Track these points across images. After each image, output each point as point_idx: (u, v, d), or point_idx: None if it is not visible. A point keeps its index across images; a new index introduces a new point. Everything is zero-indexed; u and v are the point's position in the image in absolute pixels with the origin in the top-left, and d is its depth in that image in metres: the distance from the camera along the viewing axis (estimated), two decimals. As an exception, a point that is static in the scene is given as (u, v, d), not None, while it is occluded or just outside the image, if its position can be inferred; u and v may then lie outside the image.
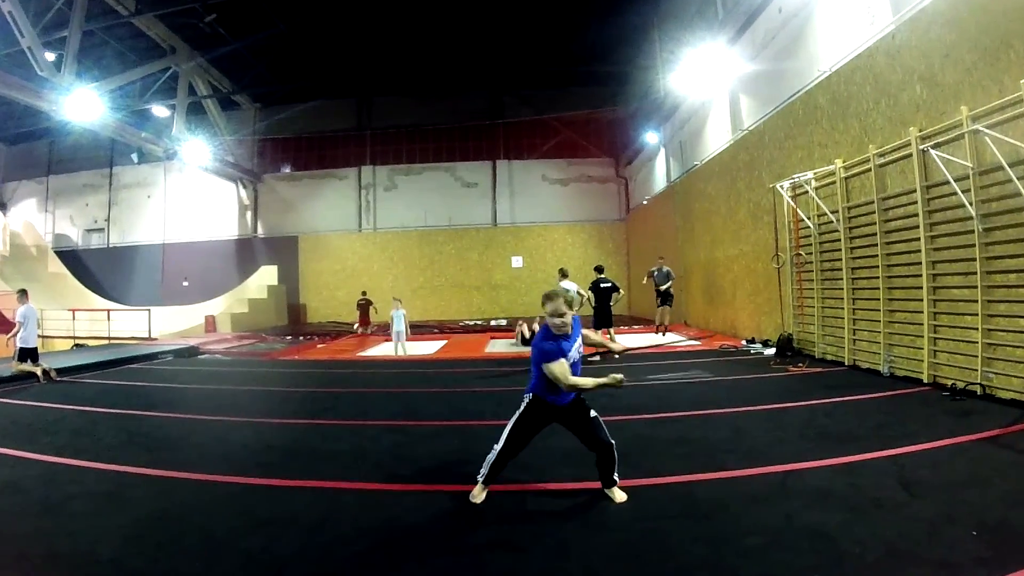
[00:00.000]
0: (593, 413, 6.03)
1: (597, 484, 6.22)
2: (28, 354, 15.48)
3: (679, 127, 28.62)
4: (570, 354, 5.82)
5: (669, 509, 5.74)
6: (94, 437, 9.37)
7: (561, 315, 5.74)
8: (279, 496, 6.42)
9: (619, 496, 5.91)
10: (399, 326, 21.60)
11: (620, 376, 5.63)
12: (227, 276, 40.41)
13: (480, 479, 6.01)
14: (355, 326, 30.21)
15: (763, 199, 18.05)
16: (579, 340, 6.09)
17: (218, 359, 21.99)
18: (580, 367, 5.99)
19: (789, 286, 16.79)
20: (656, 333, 22.44)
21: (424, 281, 39.55)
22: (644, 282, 22.93)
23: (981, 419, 8.44)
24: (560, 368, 5.61)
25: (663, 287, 21.90)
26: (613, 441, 5.91)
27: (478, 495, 5.96)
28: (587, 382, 5.67)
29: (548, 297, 5.83)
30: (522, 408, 6.05)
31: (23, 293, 16.17)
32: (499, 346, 23.64)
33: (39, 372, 15.28)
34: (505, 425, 6.08)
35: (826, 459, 6.93)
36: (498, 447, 5.98)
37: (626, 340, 20.29)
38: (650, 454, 7.48)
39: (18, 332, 15.42)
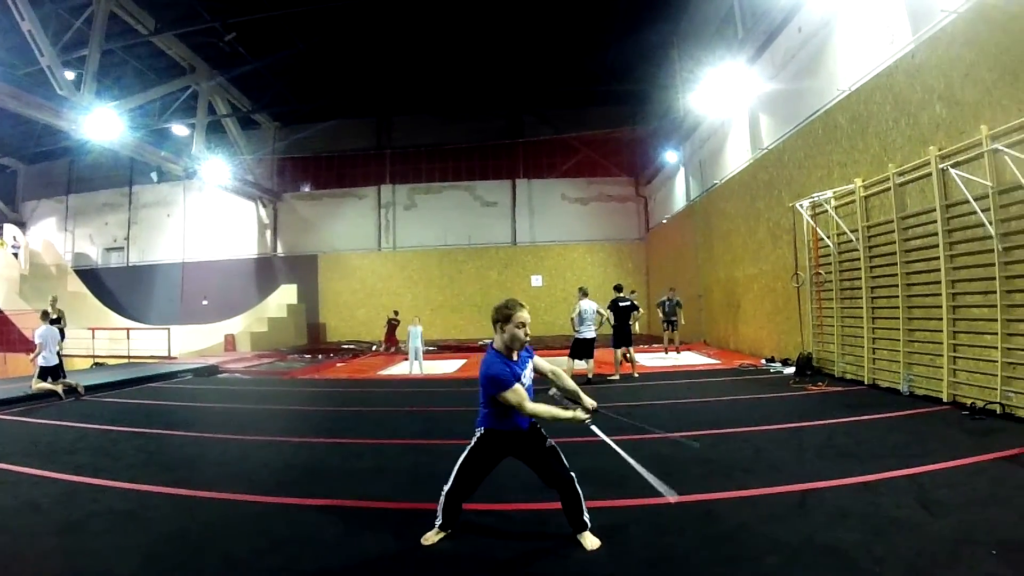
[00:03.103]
0: (550, 443, 5.65)
1: (618, 502, 6.25)
2: (48, 373, 15.59)
3: (699, 146, 28.61)
4: (523, 379, 5.50)
5: (689, 528, 5.72)
6: (114, 456, 9.40)
7: (525, 324, 5.48)
8: (299, 515, 6.41)
9: (590, 543, 5.41)
10: (416, 343, 21.63)
11: (587, 415, 5.41)
12: (247, 295, 40.55)
13: (437, 524, 5.58)
14: (377, 345, 30.27)
15: (783, 218, 18.06)
16: (530, 365, 5.75)
17: (238, 378, 22.10)
18: (533, 392, 5.58)
19: (809, 305, 16.74)
20: (667, 353, 22.39)
21: (443, 300, 39.52)
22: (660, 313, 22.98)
23: (1001, 438, 8.42)
24: (516, 396, 5.26)
25: (672, 319, 22.33)
26: (573, 474, 5.54)
27: (431, 539, 5.53)
28: (547, 411, 5.35)
29: (507, 307, 5.52)
30: (473, 444, 5.63)
31: (45, 314, 16.30)
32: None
33: (60, 390, 15.43)
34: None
35: (845, 478, 6.92)
36: (447, 487, 5.59)
37: (643, 359, 20.28)
38: (669, 474, 7.32)
39: (39, 353, 15.54)
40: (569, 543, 5.41)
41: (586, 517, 5.49)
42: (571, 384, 5.88)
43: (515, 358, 5.50)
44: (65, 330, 17.52)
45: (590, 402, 5.53)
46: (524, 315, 5.48)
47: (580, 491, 5.48)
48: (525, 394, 5.33)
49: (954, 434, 8.92)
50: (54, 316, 17.24)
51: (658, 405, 12.92)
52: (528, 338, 5.52)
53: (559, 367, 6.17)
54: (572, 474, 5.50)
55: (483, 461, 5.59)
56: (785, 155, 18.38)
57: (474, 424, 5.67)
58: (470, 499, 5.72)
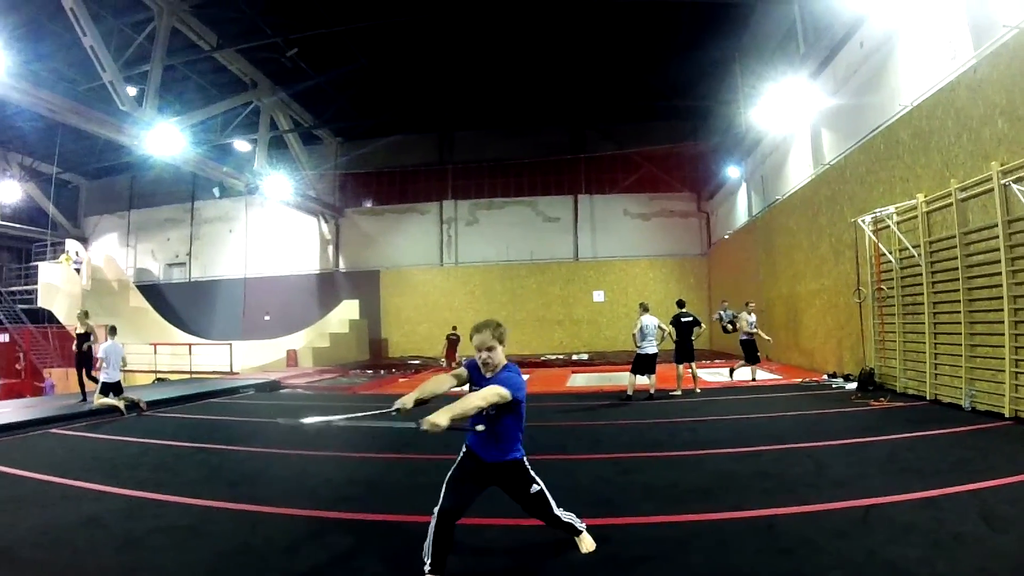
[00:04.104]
0: (536, 488, 5.38)
1: (681, 517, 6.34)
2: (110, 388, 15.85)
3: (760, 161, 28.56)
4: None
5: (751, 543, 5.73)
6: (175, 471, 9.59)
7: (489, 348, 5.21)
8: (361, 531, 6.46)
9: (586, 545, 5.52)
10: None
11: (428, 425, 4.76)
12: (308, 310, 40.84)
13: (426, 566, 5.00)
14: (441, 360, 30.45)
15: (844, 233, 18.01)
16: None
17: (300, 393, 22.38)
18: (488, 422, 5.16)
19: (871, 320, 16.68)
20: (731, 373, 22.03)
21: (506, 316, 38.29)
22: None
23: (1064, 453, 8.32)
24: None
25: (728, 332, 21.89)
26: (559, 512, 5.45)
27: None
28: (457, 407, 4.85)
29: (476, 328, 5.31)
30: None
31: (112, 330, 16.63)
32: (580, 380, 23.66)
33: (122, 406, 15.70)
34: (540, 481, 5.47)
35: (907, 493, 6.87)
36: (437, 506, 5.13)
37: (705, 375, 20.23)
38: (732, 488, 7.50)
39: (100, 367, 15.90)
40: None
41: (580, 526, 5.56)
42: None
43: (487, 372, 5.30)
44: (93, 347, 17.61)
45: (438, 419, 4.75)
46: (478, 338, 5.28)
47: (567, 519, 5.50)
48: (458, 369, 5.52)
49: (1017, 449, 8.84)
50: (82, 331, 17.36)
51: (720, 420, 12.94)
52: (486, 365, 5.29)
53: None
54: (557, 513, 5.43)
55: (460, 478, 5.27)
56: (847, 170, 18.33)
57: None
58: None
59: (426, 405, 5.06)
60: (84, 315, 17.75)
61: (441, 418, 4.67)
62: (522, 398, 5.19)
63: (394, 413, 5.07)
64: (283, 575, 5.38)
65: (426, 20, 26.11)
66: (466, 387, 5.37)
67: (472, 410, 4.88)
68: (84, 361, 17.43)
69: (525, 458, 5.43)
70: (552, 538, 5.72)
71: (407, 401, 5.04)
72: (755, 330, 19.32)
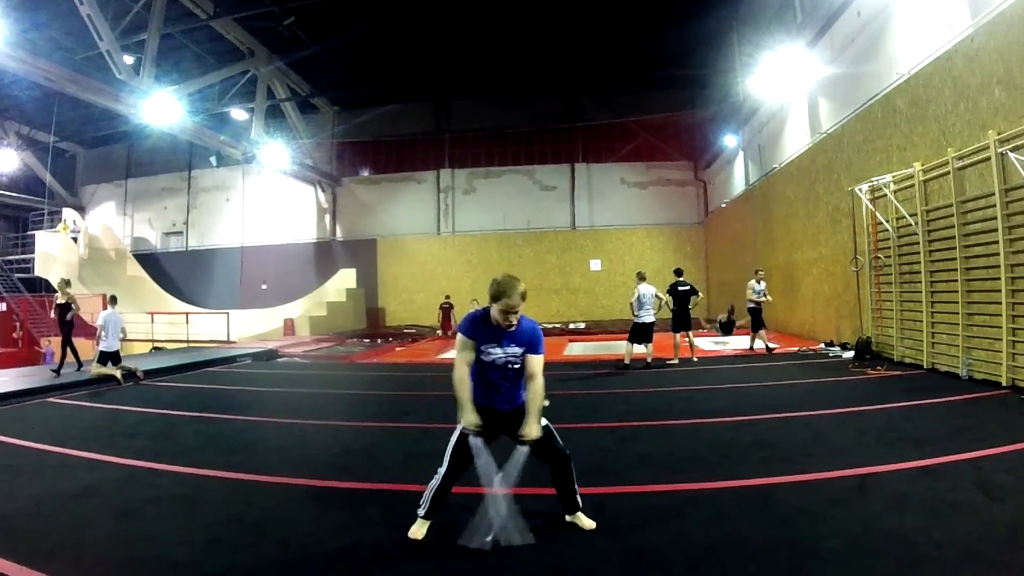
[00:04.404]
0: (544, 422, 5.24)
1: (676, 486, 6.36)
2: (108, 357, 15.81)
3: (757, 130, 28.49)
4: (493, 351, 5.23)
5: (748, 512, 5.72)
6: (172, 440, 9.59)
7: (514, 311, 5.10)
8: (358, 500, 6.46)
9: (586, 523, 5.37)
10: None
11: (472, 427, 5.01)
12: (305, 279, 41.09)
13: (420, 513, 5.31)
14: (438, 330, 30.56)
15: (842, 202, 17.99)
16: (519, 352, 5.26)
17: (296, 362, 22.51)
18: (513, 375, 5.32)
19: (868, 289, 16.73)
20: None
21: None
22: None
23: (1061, 422, 8.32)
24: (458, 345, 5.29)
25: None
26: (569, 452, 5.38)
27: (419, 532, 5.25)
28: (459, 387, 5.14)
29: (501, 285, 5.09)
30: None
31: (112, 299, 16.62)
32: (577, 349, 23.72)
33: (119, 375, 15.64)
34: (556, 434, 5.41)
35: (905, 462, 6.90)
36: (440, 468, 5.31)
37: (702, 343, 20.25)
38: (729, 457, 7.55)
39: (99, 336, 15.83)
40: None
41: (578, 498, 5.43)
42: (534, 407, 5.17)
43: (511, 329, 5.21)
44: (72, 319, 17.37)
45: (533, 430, 5.02)
46: (512, 300, 5.08)
47: (574, 472, 5.39)
48: (465, 350, 5.26)
49: (1014, 418, 8.85)
50: (62, 301, 16.92)
51: (717, 389, 13.03)
52: (511, 326, 5.19)
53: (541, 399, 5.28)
54: (567, 452, 5.35)
55: (464, 447, 5.20)
56: (844, 139, 18.29)
57: None
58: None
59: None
60: (65, 284, 17.24)
61: (535, 428, 5.02)
62: None
63: (472, 433, 5.08)
64: (280, 544, 5.35)
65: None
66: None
67: (543, 393, 5.18)
68: (69, 331, 17.25)
69: None
70: (549, 508, 5.62)
71: (473, 420, 5.06)
72: (763, 298, 19.11)
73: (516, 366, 5.28)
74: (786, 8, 22.13)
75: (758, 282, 19.23)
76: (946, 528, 5.09)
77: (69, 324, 17.09)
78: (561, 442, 5.37)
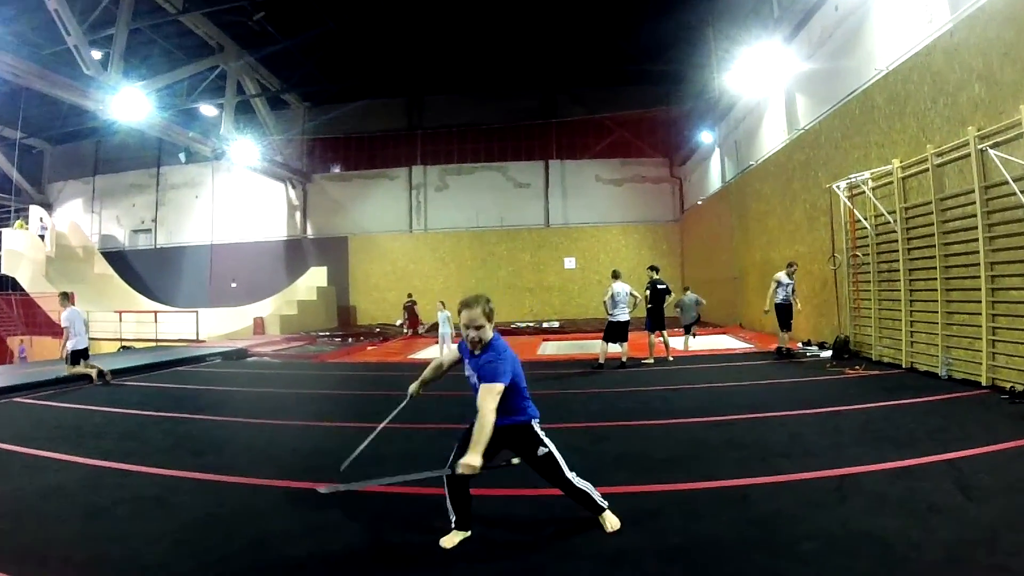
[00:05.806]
0: (544, 451, 5.23)
1: (651, 487, 6.27)
2: (80, 355, 15.63)
3: (734, 126, 28.49)
4: (466, 369, 5.41)
5: (724, 513, 5.68)
6: (141, 440, 9.48)
7: (478, 327, 5.11)
8: (329, 500, 6.17)
9: (610, 524, 5.28)
10: (445, 328, 21.96)
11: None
12: (276, 277, 40.88)
13: (452, 521, 5.20)
14: (404, 328, 30.54)
15: (819, 199, 17.94)
16: (474, 372, 5.29)
17: (267, 361, 22.35)
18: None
19: (846, 288, 16.68)
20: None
21: (476, 283, 38.84)
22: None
23: (1041, 422, 8.28)
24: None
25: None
26: (572, 475, 5.27)
27: (452, 541, 5.09)
28: (479, 440, 4.70)
29: (465, 304, 5.20)
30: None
31: (65, 296, 16.31)
32: (551, 348, 23.65)
33: (93, 373, 15.43)
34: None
35: (883, 463, 6.87)
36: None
37: (676, 343, 20.21)
38: (704, 457, 7.52)
39: (67, 335, 15.55)
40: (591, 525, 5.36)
41: (601, 502, 5.33)
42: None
43: (475, 349, 5.24)
44: None
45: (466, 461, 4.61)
46: (472, 312, 5.15)
47: (583, 487, 5.28)
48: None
49: (993, 418, 8.83)
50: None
51: (693, 389, 12.95)
52: (476, 343, 5.20)
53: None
54: (569, 477, 5.24)
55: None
56: (822, 136, 18.22)
57: None
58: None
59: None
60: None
61: (473, 459, 4.58)
62: (508, 379, 5.06)
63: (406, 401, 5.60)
64: (250, 544, 5.33)
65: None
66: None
67: (490, 429, 4.77)
68: None
69: (535, 421, 5.37)
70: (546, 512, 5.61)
71: (414, 389, 5.74)
72: (793, 296, 17.28)
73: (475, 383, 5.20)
74: (763, 3, 22.09)
75: (790, 276, 17.24)
76: (925, 529, 5.09)
77: None
78: (563, 470, 5.25)
